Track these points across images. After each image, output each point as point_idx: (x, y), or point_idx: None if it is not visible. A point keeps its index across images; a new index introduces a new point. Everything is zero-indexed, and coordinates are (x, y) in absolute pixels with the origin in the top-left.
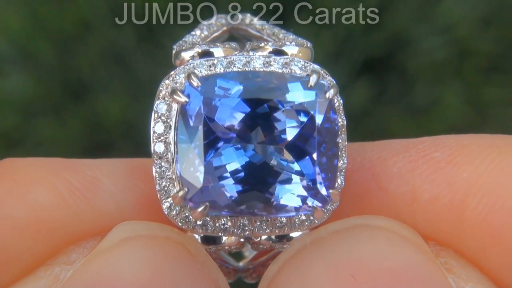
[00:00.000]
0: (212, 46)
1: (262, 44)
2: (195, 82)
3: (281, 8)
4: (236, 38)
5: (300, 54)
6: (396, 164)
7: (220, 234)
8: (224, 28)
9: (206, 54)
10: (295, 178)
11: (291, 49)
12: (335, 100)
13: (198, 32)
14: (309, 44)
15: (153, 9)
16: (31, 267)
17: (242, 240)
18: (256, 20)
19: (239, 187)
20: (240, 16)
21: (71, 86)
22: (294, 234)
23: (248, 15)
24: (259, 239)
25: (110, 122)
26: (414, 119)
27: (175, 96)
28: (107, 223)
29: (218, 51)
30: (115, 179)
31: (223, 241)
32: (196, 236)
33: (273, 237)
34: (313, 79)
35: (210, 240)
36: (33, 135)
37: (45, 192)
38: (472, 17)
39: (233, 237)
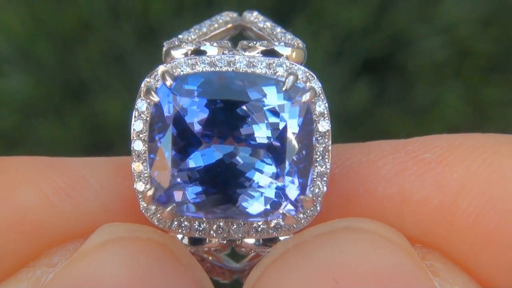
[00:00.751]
0: (203, 44)
1: (251, 44)
2: (168, 81)
3: (281, 8)
4: (245, 36)
5: (294, 55)
6: (385, 166)
7: (196, 235)
8: (229, 25)
9: (198, 52)
10: (268, 182)
11: (284, 50)
12: (320, 103)
13: (196, 29)
14: (301, 45)
15: (153, 9)
16: (13, 269)
17: (224, 242)
18: (260, 18)
19: (210, 190)
20: (247, 13)
21: (71, 86)
22: (283, 238)
23: (255, 13)
24: (240, 241)
25: (110, 122)
26: (414, 119)
27: (149, 95)
28: (93, 223)
29: (210, 49)
30: (101, 178)
31: (206, 242)
32: (180, 237)
33: (261, 240)
34: (288, 82)
35: (196, 241)
36: (33, 135)
37: (29, 192)
38: (472, 17)
39: (214, 239)
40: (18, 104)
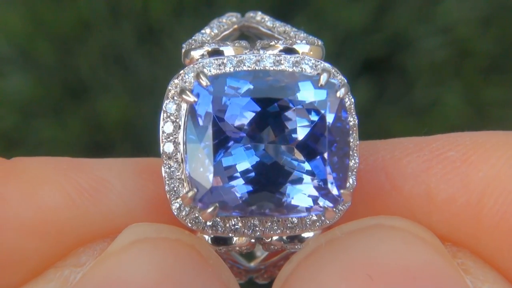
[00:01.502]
0: (222, 44)
1: (273, 43)
2: (204, 81)
3: (280, 7)
4: (247, 36)
5: (311, 53)
6: (410, 164)
7: (230, 234)
8: (235, 26)
9: (216, 52)
10: (306, 178)
11: (302, 48)
12: (346, 99)
13: (208, 30)
14: (319, 42)
15: (153, 9)
16: (39, 269)
17: (253, 240)
18: (267, 18)
19: (250, 188)
20: (251, 14)
21: (71, 86)
22: (306, 235)
23: (259, 13)
24: (270, 239)
25: (110, 122)
26: (414, 119)
27: (184, 96)
28: (117, 224)
29: (228, 50)
30: (124, 179)
31: (233, 242)
32: (206, 237)
33: (284, 237)
34: (323, 78)
35: (220, 241)
36: (33, 135)
37: (53, 193)
38: (472, 17)
39: (244, 238)
40: (18, 104)
